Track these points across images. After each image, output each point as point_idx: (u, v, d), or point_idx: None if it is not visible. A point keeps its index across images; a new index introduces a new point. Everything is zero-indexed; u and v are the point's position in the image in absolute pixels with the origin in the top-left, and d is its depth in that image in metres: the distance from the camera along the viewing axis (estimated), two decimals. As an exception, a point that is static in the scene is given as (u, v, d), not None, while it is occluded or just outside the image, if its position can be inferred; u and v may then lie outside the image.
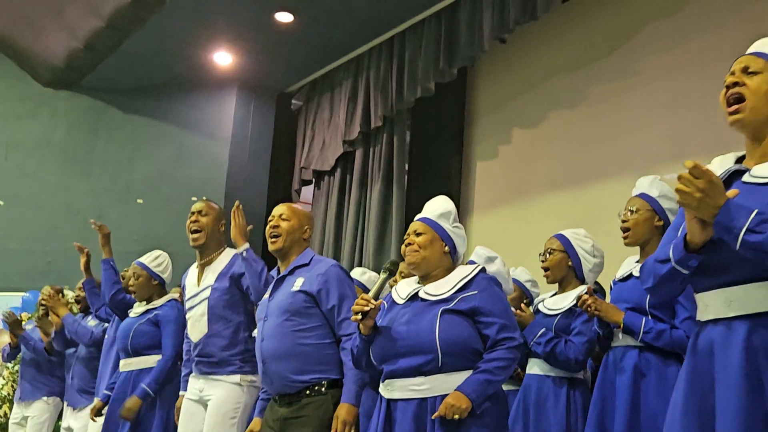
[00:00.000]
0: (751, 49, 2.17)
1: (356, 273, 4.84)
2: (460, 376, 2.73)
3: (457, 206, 6.93)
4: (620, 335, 3.23)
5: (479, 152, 7.10)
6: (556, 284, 3.81)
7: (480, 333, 2.81)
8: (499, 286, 2.93)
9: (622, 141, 5.77)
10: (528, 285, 4.42)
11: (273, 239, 3.46)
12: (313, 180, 8.14)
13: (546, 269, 3.75)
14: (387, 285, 3.28)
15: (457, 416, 2.65)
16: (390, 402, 2.83)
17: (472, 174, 7.12)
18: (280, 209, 3.52)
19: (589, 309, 3.24)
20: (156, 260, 4.82)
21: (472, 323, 2.81)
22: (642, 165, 5.40)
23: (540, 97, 6.52)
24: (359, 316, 2.84)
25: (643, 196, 3.35)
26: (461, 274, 2.92)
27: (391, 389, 2.83)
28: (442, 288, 2.90)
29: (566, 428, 3.47)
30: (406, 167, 7.38)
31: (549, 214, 6.12)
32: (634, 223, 3.28)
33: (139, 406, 4.30)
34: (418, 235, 2.99)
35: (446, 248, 2.99)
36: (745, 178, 2.07)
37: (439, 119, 7.36)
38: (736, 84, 2.10)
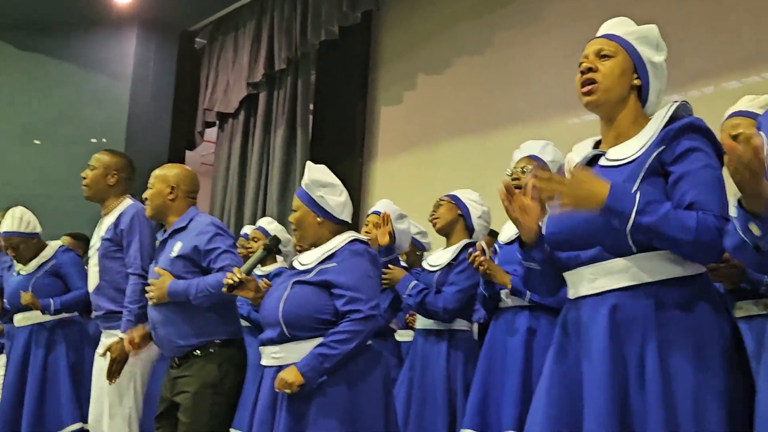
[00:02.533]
0: (602, 31, 2.22)
1: (264, 222, 4.87)
2: (312, 344, 2.78)
3: (362, 151, 7.06)
4: (509, 299, 3.29)
5: (384, 97, 7.11)
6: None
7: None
8: (363, 256, 2.93)
9: (526, 87, 5.84)
10: (418, 237, 4.48)
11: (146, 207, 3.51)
12: (217, 122, 8.04)
13: (435, 218, 3.76)
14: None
15: (288, 390, 2.71)
16: (265, 368, 2.92)
17: (377, 119, 7.13)
18: (151, 176, 3.52)
19: (481, 267, 3.25)
20: (22, 221, 4.69)
21: (328, 295, 2.84)
22: (546, 111, 5.50)
23: (445, 44, 6.54)
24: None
25: (535, 158, 3.39)
26: (330, 245, 2.94)
27: (263, 356, 2.93)
28: (309, 258, 2.94)
29: (447, 382, 3.50)
30: (311, 112, 7.35)
31: (453, 160, 6.20)
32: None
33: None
34: (293, 211, 3.03)
35: (319, 219, 3.00)
36: (602, 161, 2.13)
37: (344, 64, 7.32)
38: (590, 69, 2.15)
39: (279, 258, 4.84)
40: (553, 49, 5.64)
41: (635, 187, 1.98)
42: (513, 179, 3.32)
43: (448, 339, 3.58)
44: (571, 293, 2.11)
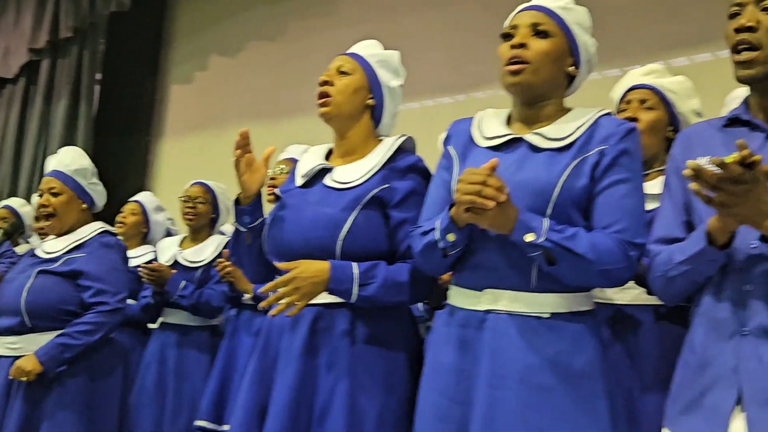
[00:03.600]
0: (351, 49, 2.35)
1: (14, 202, 4.65)
2: (51, 336, 2.75)
3: (149, 129, 6.88)
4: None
5: (175, 75, 6.96)
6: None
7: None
8: (113, 249, 2.92)
9: (317, 79, 5.90)
10: (169, 223, 4.48)
11: None
12: (-5, 86, 7.57)
13: (193, 215, 3.82)
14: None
15: (24, 378, 2.66)
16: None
17: (167, 96, 6.97)
18: None
19: (227, 275, 3.34)
20: None
21: (75, 286, 2.81)
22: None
23: (241, 27, 6.48)
24: None
25: (295, 161, 3.45)
26: (79, 235, 2.89)
27: None
28: (55, 247, 2.89)
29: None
30: (97, 84, 7.09)
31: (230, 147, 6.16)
32: None
33: None
34: (54, 195, 2.94)
35: (84, 206, 2.95)
36: (327, 180, 2.21)
37: (135, 37, 7.07)
38: (326, 83, 2.25)
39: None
40: (347, 44, 5.69)
41: (351, 219, 2.07)
42: (271, 179, 3.37)
43: (210, 333, 3.70)
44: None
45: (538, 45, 1.89)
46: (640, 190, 1.87)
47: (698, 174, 1.51)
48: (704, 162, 1.53)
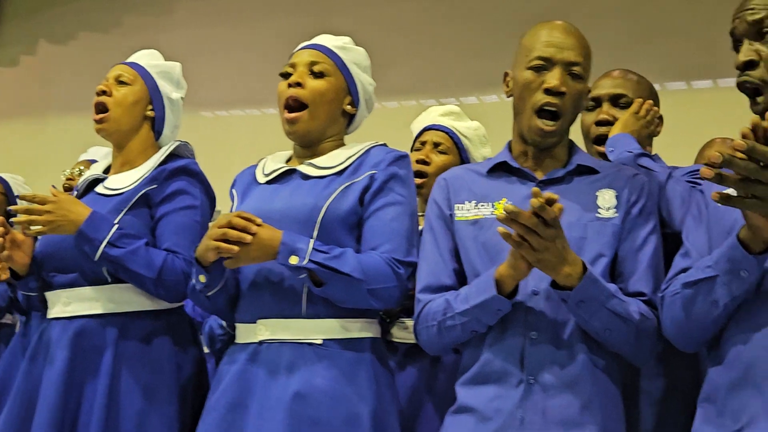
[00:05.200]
0: (129, 58, 2.34)
1: None
2: None
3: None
4: None
5: (1, 56, 6.73)
6: None
7: None
8: None
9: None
10: None
11: None
12: None
13: None
14: None
15: None
16: None
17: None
18: None
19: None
20: None
21: None
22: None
23: (74, 14, 6.29)
24: None
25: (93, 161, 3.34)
26: None
27: None
28: None
29: None
30: None
31: (64, 136, 6.01)
32: None
33: None
34: None
35: None
36: (99, 188, 2.20)
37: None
38: (103, 92, 2.22)
39: None
40: (181, 45, 5.63)
41: (117, 219, 2.06)
42: (68, 179, 3.31)
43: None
44: (49, 312, 2.15)
45: (314, 84, 1.94)
46: (410, 214, 1.91)
47: (514, 218, 1.49)
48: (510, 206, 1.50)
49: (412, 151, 2.66)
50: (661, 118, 2.23)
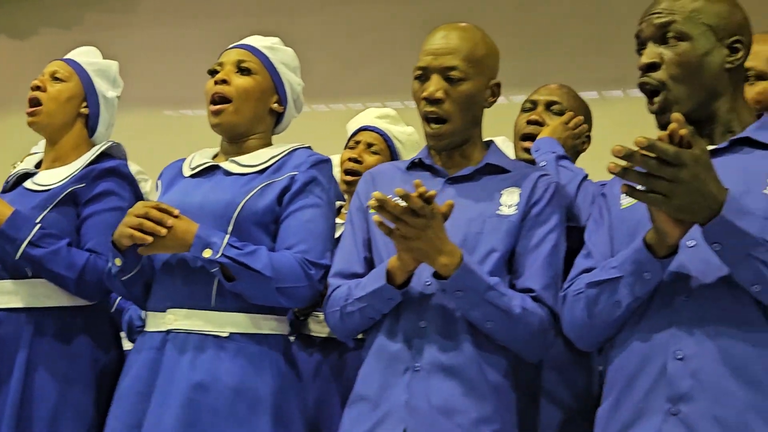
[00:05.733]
0: (68, 55, 2.37)
1: None
2: None
3: None
4: None
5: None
6: None
7: None
8: None
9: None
10: None
11: None
12: None
13: None
14: None
15: None
16: None
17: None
18: None
19: None
20: None
21: None
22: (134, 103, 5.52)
23: (35, 9, 6.23)
24: None
25: None
26: None
27: None
28: None
29: None
30: None
31: (12, 134, 5.91)
32: None
33: None
34: None
35: None
36: (28, 183, 2.21)
37: None
38: (38, 88, 2.24)
39: None
40: (144, 43, 5.62)
41: (41, 216, 2.08)
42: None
43: None
44: None
45: (240, 81, 2.00)
46: (327, 217, 1.96)
47: (382, 205, 1.58)
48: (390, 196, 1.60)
49: (345, 148, 2.73)
50: (588, 137, 2.34)
